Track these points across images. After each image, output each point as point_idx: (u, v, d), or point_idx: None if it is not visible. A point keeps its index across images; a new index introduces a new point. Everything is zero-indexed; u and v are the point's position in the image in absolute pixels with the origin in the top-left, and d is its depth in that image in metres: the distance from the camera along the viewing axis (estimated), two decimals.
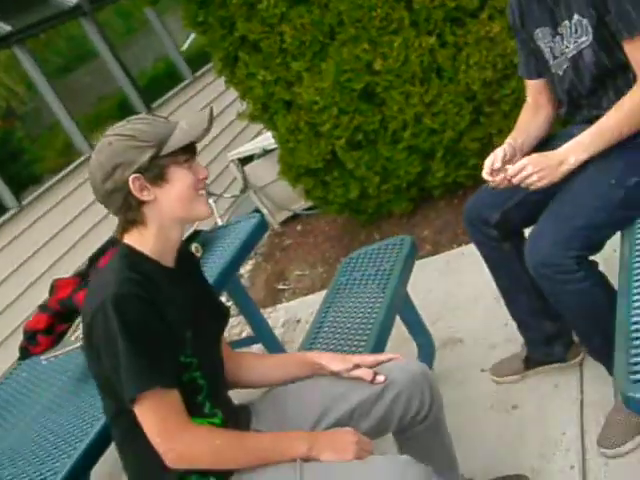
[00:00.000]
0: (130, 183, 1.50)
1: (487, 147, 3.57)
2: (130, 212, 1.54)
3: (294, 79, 3.60)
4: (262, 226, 2.87)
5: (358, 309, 2.38)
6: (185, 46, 7.37)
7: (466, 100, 3.45)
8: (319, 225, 4.65)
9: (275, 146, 4.54)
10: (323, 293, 3.82)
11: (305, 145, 3.71)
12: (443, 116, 3.48)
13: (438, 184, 3.78)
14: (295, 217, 4.89)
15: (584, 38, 1.95)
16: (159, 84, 7.00)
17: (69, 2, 5.97)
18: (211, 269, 2.54)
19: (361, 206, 4.01)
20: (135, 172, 1.50)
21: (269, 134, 4.85)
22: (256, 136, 5.75)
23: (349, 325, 2.31)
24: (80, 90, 6.32)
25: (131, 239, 1.57)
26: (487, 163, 2.06)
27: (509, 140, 2.16)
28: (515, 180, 1.95)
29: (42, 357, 2.50)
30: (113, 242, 2.22)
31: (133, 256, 1.56)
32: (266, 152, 4.76)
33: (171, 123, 1.58)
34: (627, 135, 1.92)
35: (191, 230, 2.73)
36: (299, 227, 4.80)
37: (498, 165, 2.02)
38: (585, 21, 1.92)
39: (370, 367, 1.74)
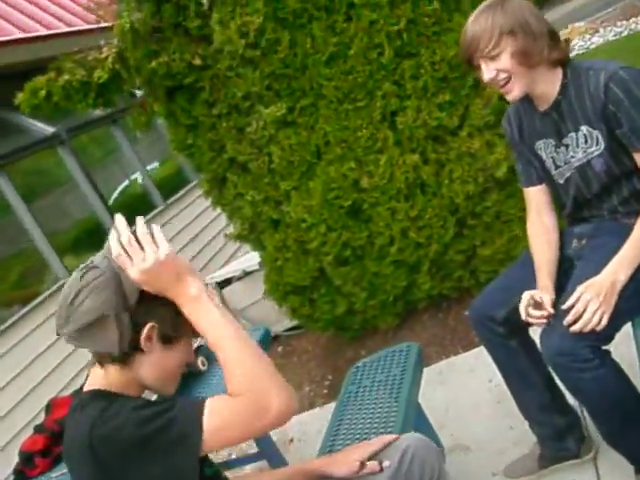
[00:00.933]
0: (146, 328, 1.44)
1: (471, 259, 3.70)
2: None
3: (282, 198, 3.70)
4: None
5: (372, 420, 2.35)
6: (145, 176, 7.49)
7: (450, 213, 3.57)
8: (301, 345, 4.65)
9: (255, 267, 4.60)
10: (313, 412, 3.82)
11: (293, 263, 3.78)
12: (428, 230, 3.59)
13: (424, 297, 3.86)
14: (275, 339, 4.89)
15: (594, 148, 2.06)
16: (131, 210, 7.06)
17: (47, 131, 6.13)
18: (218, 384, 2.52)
19: (347, 323, 4.04)
20: (157, 322, 1.45)
21: (248, 256, 4.92)
22: (229, 260, 5.82)
23: (364, 437, 2.26)
24: (56, 214, 6.36)
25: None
26: (524, 307, 2.11)
27: (542, 291, 2.15)
28: (572, 314, 1.94)
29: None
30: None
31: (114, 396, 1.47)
32: (246, 274, 4.81)
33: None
34: None
35: (195, 344, 2.73)
36: (280, 348, 4.79)
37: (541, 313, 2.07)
38: (595, 132, 2.04)
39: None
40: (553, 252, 2.26)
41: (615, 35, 9.41)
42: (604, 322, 1.92)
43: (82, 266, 1.47)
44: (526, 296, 2.11)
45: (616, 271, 1.97)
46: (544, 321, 2.05)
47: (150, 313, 1.45)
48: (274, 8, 3.42)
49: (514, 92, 2.09)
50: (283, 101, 3.53)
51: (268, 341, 2.94)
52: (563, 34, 10.68)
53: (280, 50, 3.45)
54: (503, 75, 2.06)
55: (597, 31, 10.12)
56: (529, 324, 2.17)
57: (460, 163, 3.48)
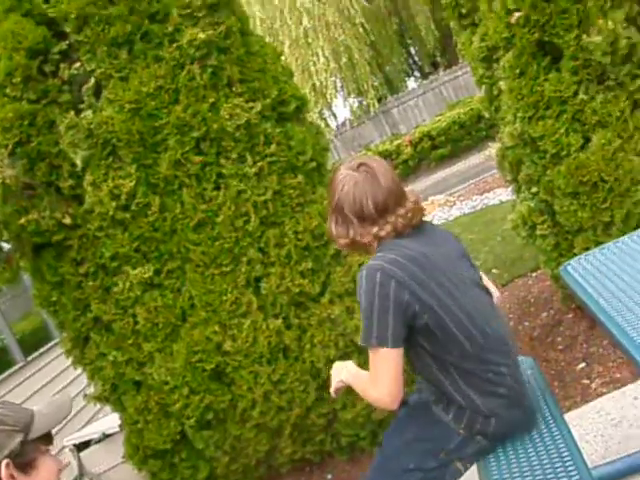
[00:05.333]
0: (3, 468, 1.45)
1: (333, 422, 3.76)
2: None
3: (146, 359, 3.68)
4: None
5: None
6: None
7: (311, 377, 3.66)
8: None
9: (116, 430, 4.47)
10: None
11: (154, 426, 3.71)
12: (290, 394, 3.65)
13: (286, 461, 3.85)
14: None
15: None
16: None
17: None
18: None
19: None
20: (6, 457, 1.45)
21: (108, 418, 4.78)
22: (89, 422, 5.61)
23: None
24: None
25: None
26: None
27: None
28: None
29: None
30: None
31: None
32: (106, 436, 4.66)
33: (27, 409, 1.58)
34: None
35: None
36: None
37: None
38: None
39: None
40: None
41: (471, 208, 10.10)
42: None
43: None
44: None
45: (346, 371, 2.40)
46: None
47: None
48: (146, 173, 3.56)
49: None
50: (151, 263, 3.61)
51: None
52: (424, 206, 11.36)
53: (150, 214, 3.56)
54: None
55: (454, 204, 10.84)
56: None
57: (321, 328, 3.61)
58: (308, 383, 3.65)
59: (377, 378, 2.11)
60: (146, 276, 3.58)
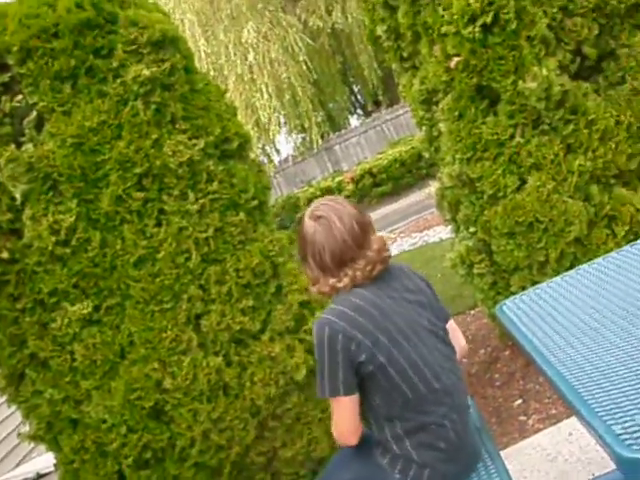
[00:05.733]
0: None
1: (272, 461, 3.74)
2: None
3: (83, 397, 3.61)
4: None
5: None
6: None
7: (251, 416, 3.63)
8: None
9: (50, 470, 4.37)
10: None
11: (91, 465, 3.63)
12: (230, 432, 3.61)
13: None
14: None
15: None
16: None
17: None
18: None
19: None
20: None
21: (42, 457, 4.67)
22: (22, 461, 5.47)
23: None
24: None
25: None
26: None
27: None
28: None
29: None
30: None
31: None
32: (40, 476, 4.54)
33: None
34: None
35: None
36: None
37: None
38: None
39: None
40: None
41: (411, 245, 10.23)
42: None
43: None
44: None
45: None
46: None
47: None
48: (87, 209, 3.53)
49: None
50: (90, 299, 3.55)
51: None
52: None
53: (90, 249, 3.52)
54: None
55: (395, 241, 10.96)
56: None
57: (261, 366, 3.60)
58: (248, 421, 3.62)
59: (336, 422, 2.28)
60: (85, 312, 3.52)
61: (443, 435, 2.26)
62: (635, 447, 1.47)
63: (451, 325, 2.50)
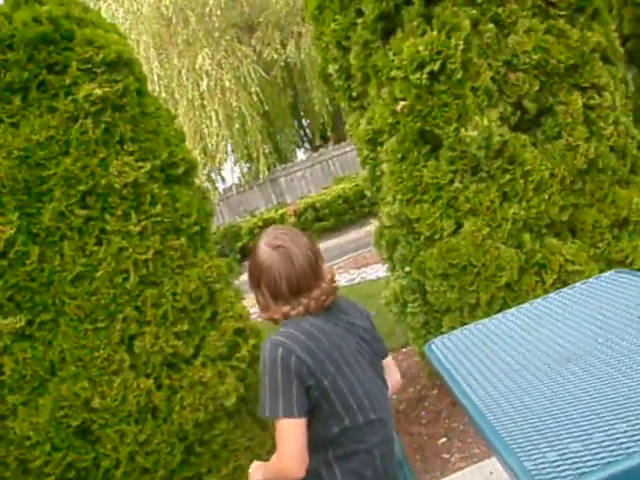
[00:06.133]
0: None
1: None
2: None
3: (8, 413, 3.57)
4: None
5: None
6: None
7: (178, 440, 3.64)
8: None
9: None
10: None
11: None
12: (156, 455, 3.61)
13: None
14: None
15: None
16: None
17: None
18: None
19: None
20: None
21: None
22: None
23: None
24: None
25: None
26: None
27: None
28: None
29: None
30: None
31: None
32: None
33: None
34: None
35: None
36: None
37: None
38: None
39: None
40: None
41: (348, 281, 10.33)
42: None
43: None
44: None
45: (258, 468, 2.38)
46: None
47: None
48: (28, 222, 3.53)
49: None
50: (23, 314, 3.54)
51: None
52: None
53: (28, 263, 3.51)
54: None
55: None
56: None
57: (192, 391, 3.62)
58: (175, 445, 3.63)
59: (284, 448, 2.16)
60: (17, 326, 3.50)
61: (371, 464, 2.31)
62: None
63: (389, 361, 2.58)
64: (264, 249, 2.33)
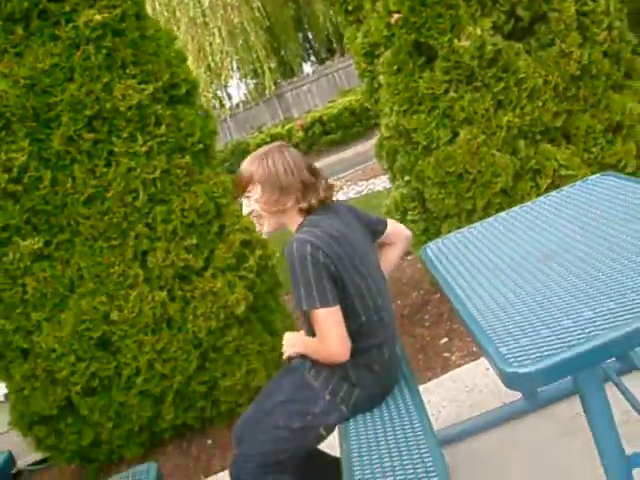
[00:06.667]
0: None
1: (213, 390, 3.98)
2: None
3: (34, 328, 3.80)
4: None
5: None
6: None
7: (194, 347, 3.87)
8: (45, 478, 4.59)
9: (1, 399, 4.54)
10: None
11: (41, 392, 3.84)
12: (173, 362, 3.85)
13: (168, 427, 4.06)
14: (19, 474, 4.77)
15: None
16: None
17: None
18: None
19: (93, 453, 4.11)
20: None
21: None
22: None
23: None
24: None
25: None
26: None
27: None
28: None
29: None
30: None
31: None
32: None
33: None
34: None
35: None
36: None
37: None
38: None
39: None
40: None
41: (356, 193, 10.48)
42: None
43: None
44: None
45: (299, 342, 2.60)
46: None
47: None
48: (39, 148, 3.67)
49: (264, 228, 2.61)
50: (41, 235, 3.72)
51: (8, 467, 2.99)
52: None
53: (42, 187, 3.67)
54: (254, 213, 2.57)
55: (342, 188, 11.19)
56: None
57: (204, 301, 3.82)
58: (190, 352, 3.85)
59: (325, 337, 2.35)
60: (36, 247, 3.69)
61: (379, 359, 2.51)
62: (515, 364, 1.73)
63: (391, 224, 2.84)
64: (268, 150, 2.52)
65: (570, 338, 1.75)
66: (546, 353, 1.73)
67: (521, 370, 1.72)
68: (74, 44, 3.63)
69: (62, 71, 3.62)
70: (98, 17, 3.62)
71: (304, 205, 2.49)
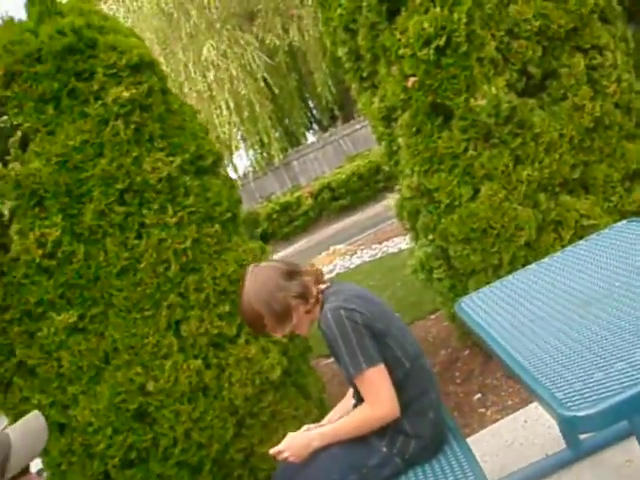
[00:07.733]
0: None
1: (250, 457, 3.97)
2: None
3: (70, 402, 3.81)
4: None
5: None
6: None
7: (230, 414, 3.87)
8: None
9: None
10: None
11: (78, 467, 3.83)
12: (210, 430, 3.84)
13: None
14: None
15: None
16: None
17: None
18: None
19: None
20: None
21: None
22: None
23: None
24: None
25: None
26: None
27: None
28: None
29: None
30: None
31: None
32: None
33: (2, 443, 1.57)
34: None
35: None
36: None
37: None
38: None
39: None
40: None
41: (371, 256, 10.53)
42: (292, 460, 2.53)
43: None
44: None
45: (314, 438, 2.55)
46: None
47: None
48: (71, 223, 3.75)
49: (303, 332, 2.69)
50: (74, 309, 3.77)
51: None
52: (326, 254, 11.77)
53: (75, 261, 3.73)
54: (287, 330, 2.63)
55: (355, 252, 11.25)
56: None
57: (239, 367, 3.84)
58: (227, 419, 3.86)
59: (377, 397, 2.38)
60: (70, 321, 3.73)
61: (430, 405, 2.53)
62: (573, 407, 1.76)
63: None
64: (249, 286, 2.60)
65: (625, 379, 1.78)
66: (603, 395, 1.75)
67: (580, 413, 1.74)
68: (103, 120, 3.74)
69: (92, 147, 3.72)
70: (126, 94, 3.73)
71: (312, 300, 2.57)
